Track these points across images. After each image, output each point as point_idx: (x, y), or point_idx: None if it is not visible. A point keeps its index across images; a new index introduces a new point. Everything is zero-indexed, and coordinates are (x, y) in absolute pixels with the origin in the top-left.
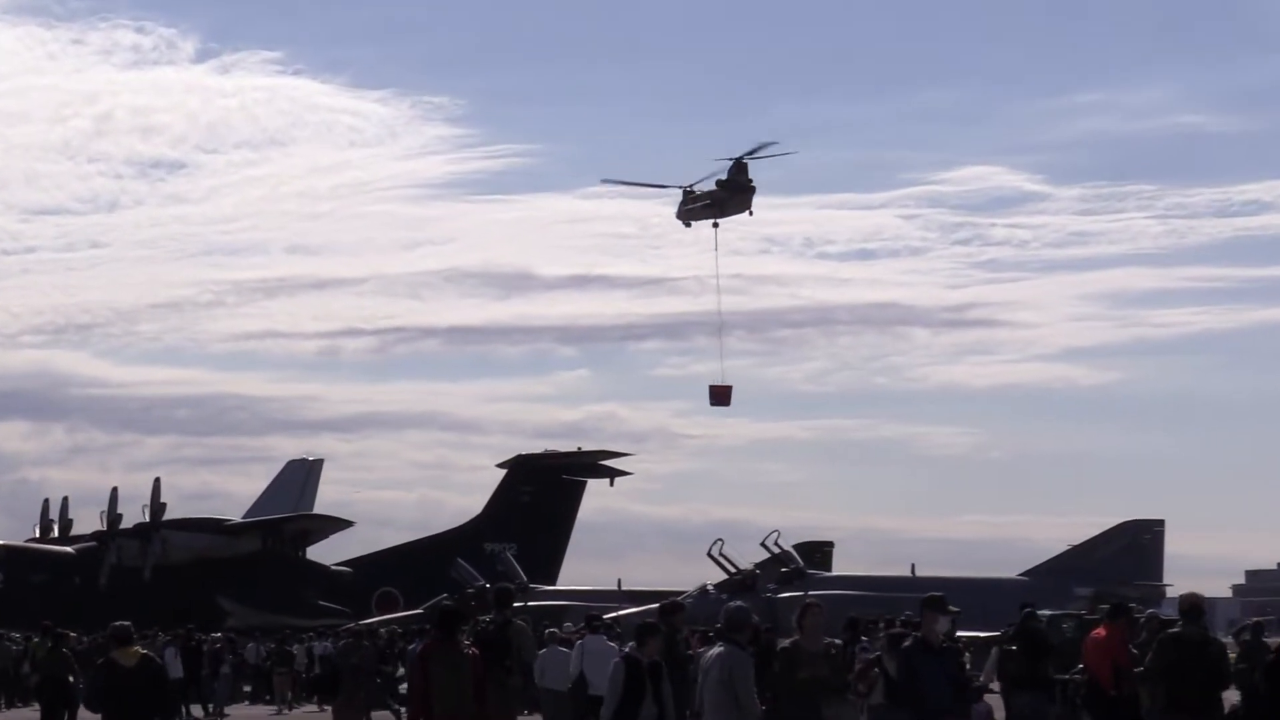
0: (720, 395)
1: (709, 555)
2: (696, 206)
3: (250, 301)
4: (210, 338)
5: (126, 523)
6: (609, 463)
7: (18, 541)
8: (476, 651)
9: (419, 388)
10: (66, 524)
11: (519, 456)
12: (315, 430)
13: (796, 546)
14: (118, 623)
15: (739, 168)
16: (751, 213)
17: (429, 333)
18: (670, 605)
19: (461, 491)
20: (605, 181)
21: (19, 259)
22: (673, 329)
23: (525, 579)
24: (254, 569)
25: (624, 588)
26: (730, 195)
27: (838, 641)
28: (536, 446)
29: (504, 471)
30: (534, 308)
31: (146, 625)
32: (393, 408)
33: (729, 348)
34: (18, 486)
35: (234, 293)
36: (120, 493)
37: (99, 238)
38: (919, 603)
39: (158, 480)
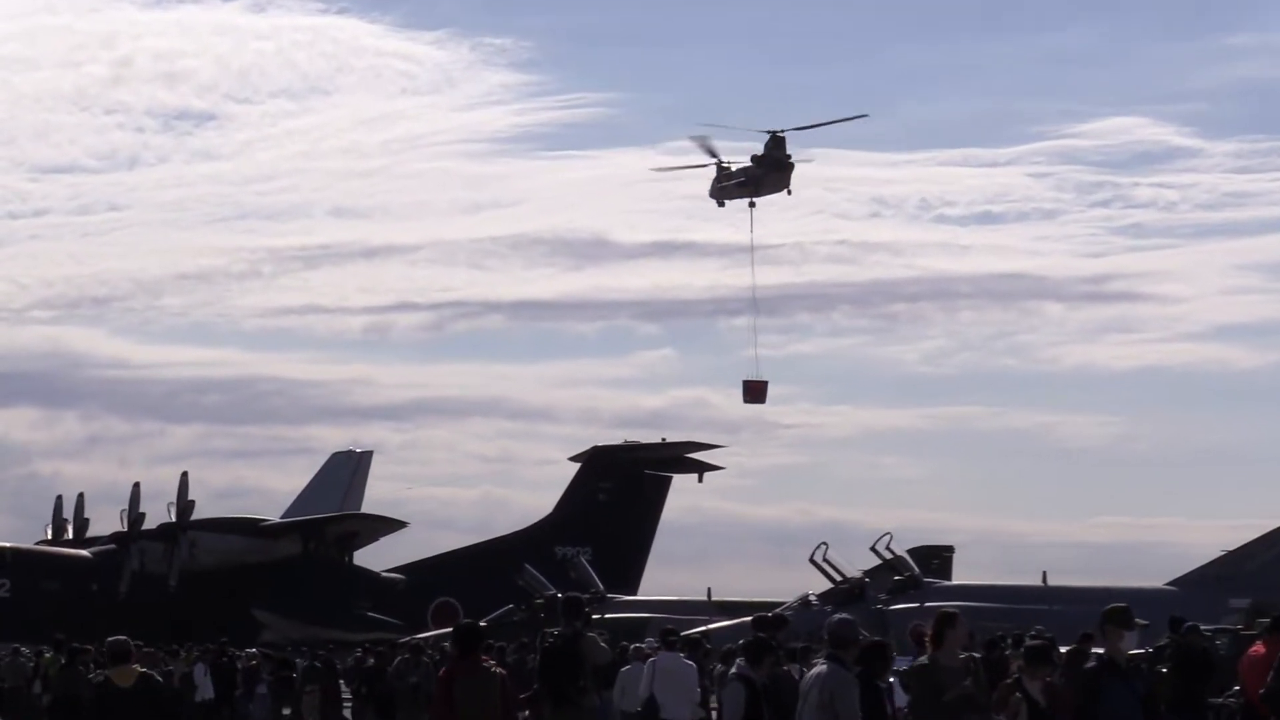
0: (755, 391)
1: (811, 561)
2: (730, 184)
3: (289, 272)
4: (244, 313)
5: (150, 523)
6: (697, 455)
7: (27, 544)
8: (504, 672)
9: (481, 370)
10: (82, 524)
11: (595, 449)
12: (363, 418)
13: (911, 551)
14: (113, 638)
15: (776, 142)
16: (790, 191)
17: (492, 307)
18: (766, 619)
19: (529, 488)
20: (655, 170)
21: (27, 223)
22: (770, 303)
23: (601, 588)
24: (294, 576)
25: (714, 598)
26: (766, 173)
27: (975, 655)
28: (615, 437)
29: (578, 466)
30: (611, 279)
31: (173, 639)
32: (451, 393)
33: (834, 325)
34: (27, 482)
35: (270, 262)
36: (143, 489)
37: (117, 199)
38: (1051, 616)
39: (185, 475)
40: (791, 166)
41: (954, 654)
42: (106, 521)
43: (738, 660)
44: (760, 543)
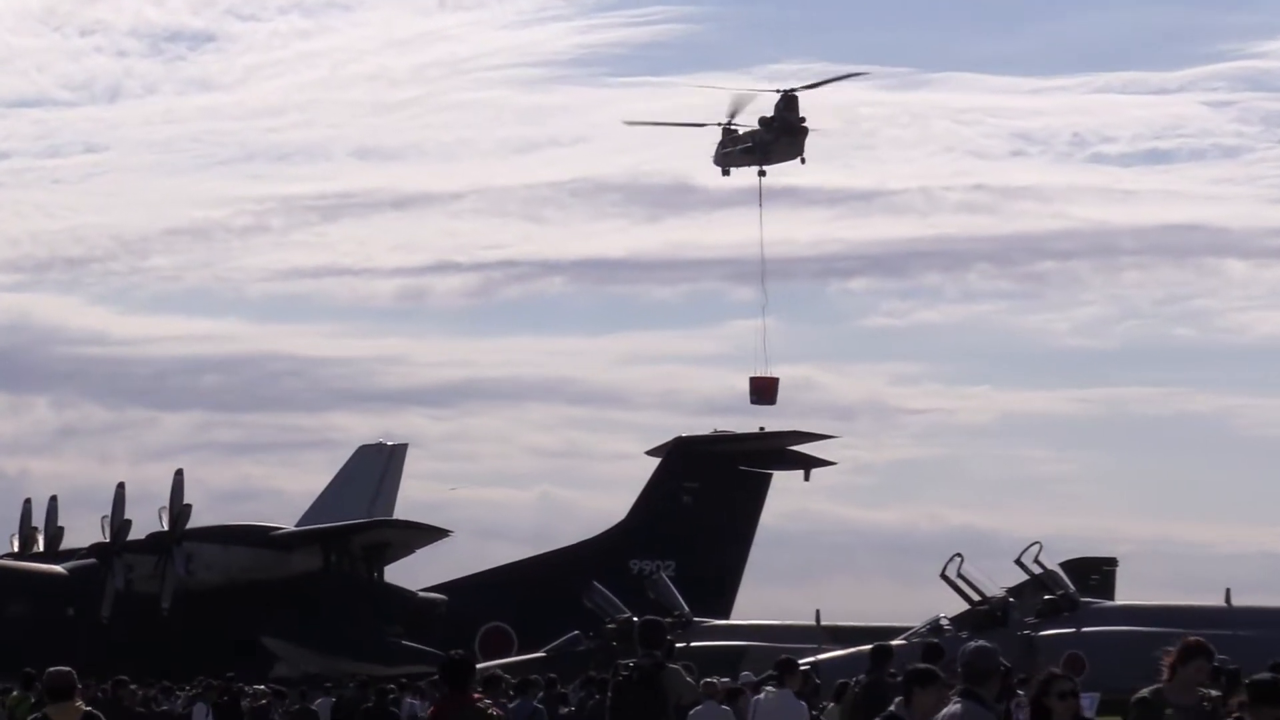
0: (763, 390)
1: (943, 577)
2: (735, 150)
3: (304, 225)
4: (249, 276)
5: (138, 532)
6: (803, 448)
7: None
8: (499, 711)
9: (538, 344)
10: (55, 533)
11: (678, 440)
12: (395, 404)
13: (1065, 565)
14: (54, 669)
15: (787, 102)
16: (804, 160)
17: (551, 267)
18: (886, 649)
19: (598, 489)
20: (629, 123)
21: None
22: (891, 262)
23: (687, 610)
24: (312, 596)
25: (824, 623)
26: (775, 137)
27: (1213, 692)
28: (702, 426)
29: (657, 461)
30: (697, 232)
31: (167, 673)
32: (502, 372)
33: (968, 287)
34: None
35: (281, 214)
36: (128, 491)
37: (95, 139)
38: (1236, 643)
39: (180, 473)
40: (805, 131)
41: (1191, 690)
42: (84, 530)
43: (896, 700)
44: (880, 554)
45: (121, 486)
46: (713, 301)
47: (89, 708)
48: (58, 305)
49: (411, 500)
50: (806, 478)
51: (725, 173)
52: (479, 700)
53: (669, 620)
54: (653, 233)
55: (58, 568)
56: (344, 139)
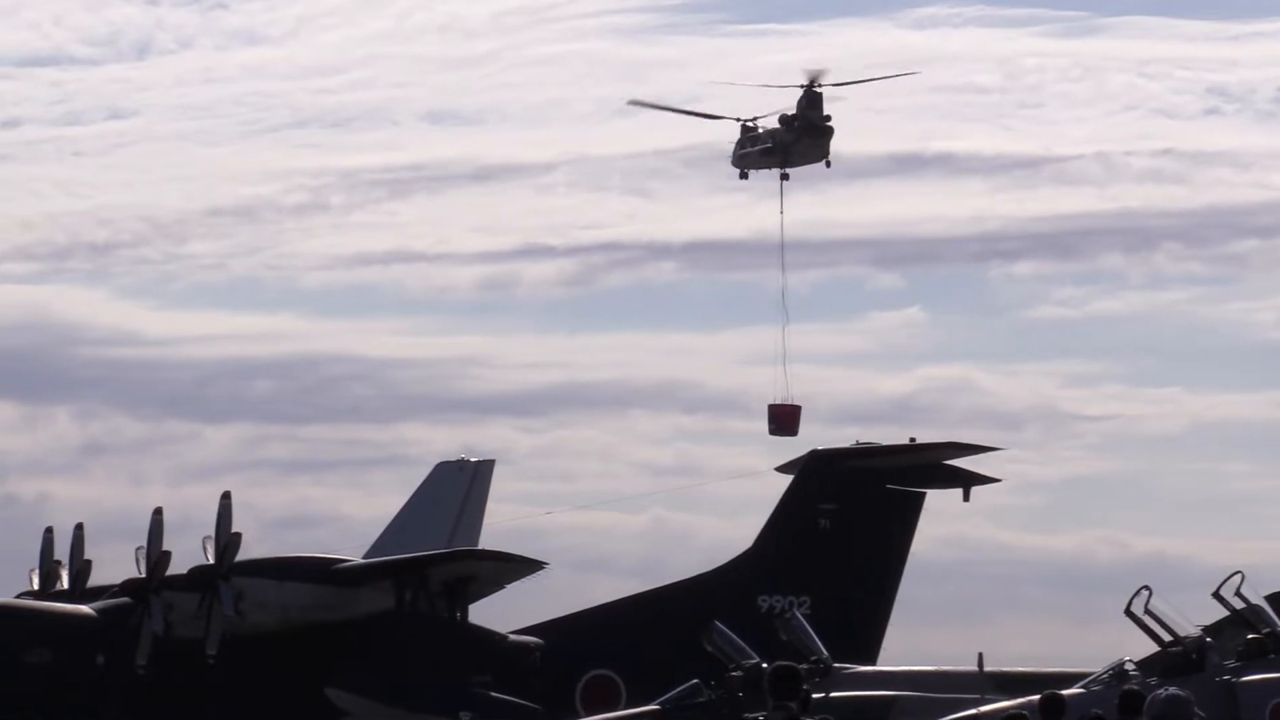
0: (783, 419)
1: (1128, 614)
2: (753, 151)
3: (368, 203)
4: (305, 264)
5: (178, 566)
6: (960, 462)
7: (2, 597)
8: None
9: (645, 341)
10: (81, 567)
11: (813, 454)
12: (479, 413)
13: (1272, 598)
14: None
15: (810, 100)
16: (829, 163)
17: (660, 250)
18: (1059, 699)
19: (718, 512)
20: (633, 103)
21: None
22: (1062, 241)
23: (825, 654)
24: (384, 640)
25: (987, 668)
26: (797, 138)
27: None
28: (842, 438)
29: (789, 479)
30: (833, 208)
31: None
32: (604, 375)
33: (1155, 271)
34: (2, 508)
35: (341, 189)
36: (166, 517)
37: (122, 103)
38: None
39: (227, 496)
40: (830, 131)
41: None
42: (115, 564)
43: None
44: (1052, 587)
45: (159, 512)
46: (852, 290)
47: None
48: (81, 299)
49: (499, 527)
50: (966, 497)
51: (743, 175)
52: None
53: (804, 667)
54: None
55: (85, 608)
56: (412, 101)
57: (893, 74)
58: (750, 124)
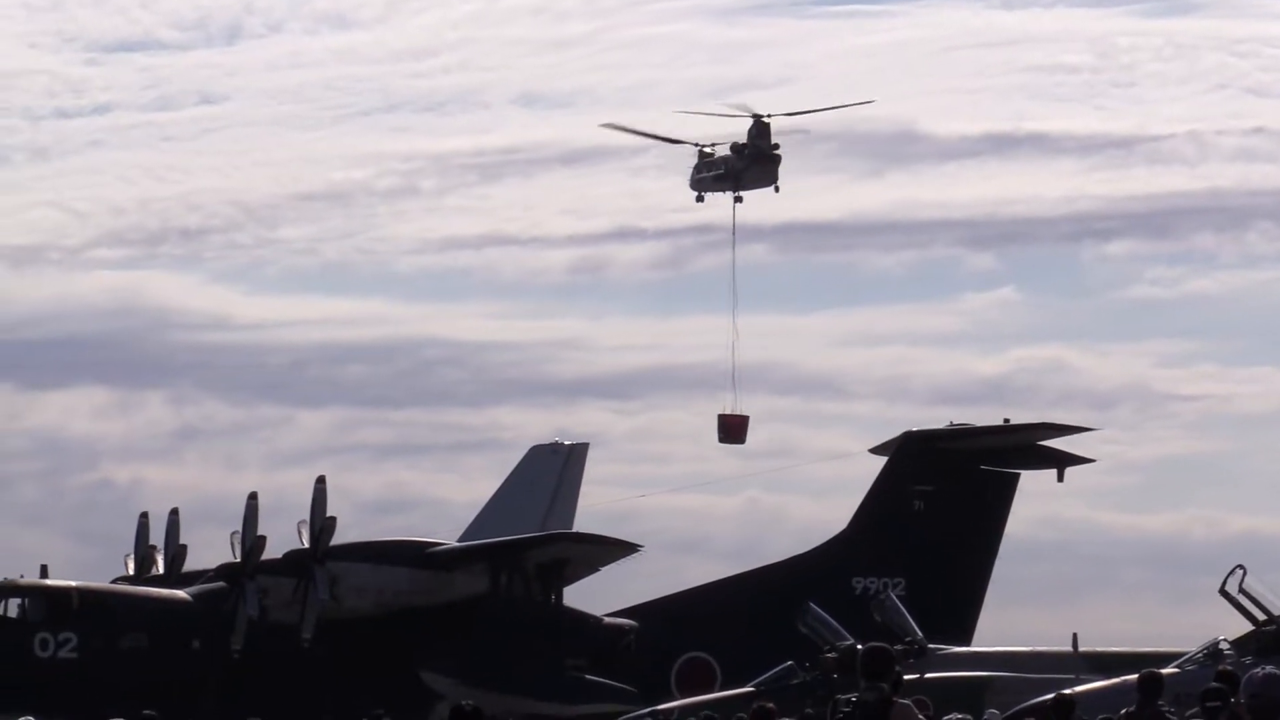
0: (732, 429)
1: (1222, 593)
2: (708, 176)
3: (460, 187)
4: (397, 248)
5: (273, 550)
6: (1055, 443)
7: (100, 582)
8: None
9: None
10: (177, 552)
11: (906, 435)
12: (572, 396)
13: None
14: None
15: (760, 129)
16: (778, 188)
17: (752, 232)
18: (1156, 678)
19: (812, 493)
20: (606, 125)
21: (84, 124)
22: (1155, 221)
23: (920, 635)
24: (479, 624)
25: (1082, 648)
26: (748, 165)
27: None
28: (935, 419)
29: (883, 460)
30: (924, 189)
31: (310, 715)
32: (696, 357)
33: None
34: (96, 493)
35: (434, 173)
36: (261, 502)
37: (212, 88)
38: None
39: (321, 481)
40: (778, 159)
41: None
42: (210, 549)
43: None
44: (1147, 567)
45: (253, 497)
46: (945, 271)
47: None
48: (173, 284)
49: (593, 510)
50: (1060, 478)
51: (699, 198)
52: None
53: (898, 648)
54: (873, 190)
55: (180, 593)
56: (505, 84)
57: (850, 103)
58: (708, 149)
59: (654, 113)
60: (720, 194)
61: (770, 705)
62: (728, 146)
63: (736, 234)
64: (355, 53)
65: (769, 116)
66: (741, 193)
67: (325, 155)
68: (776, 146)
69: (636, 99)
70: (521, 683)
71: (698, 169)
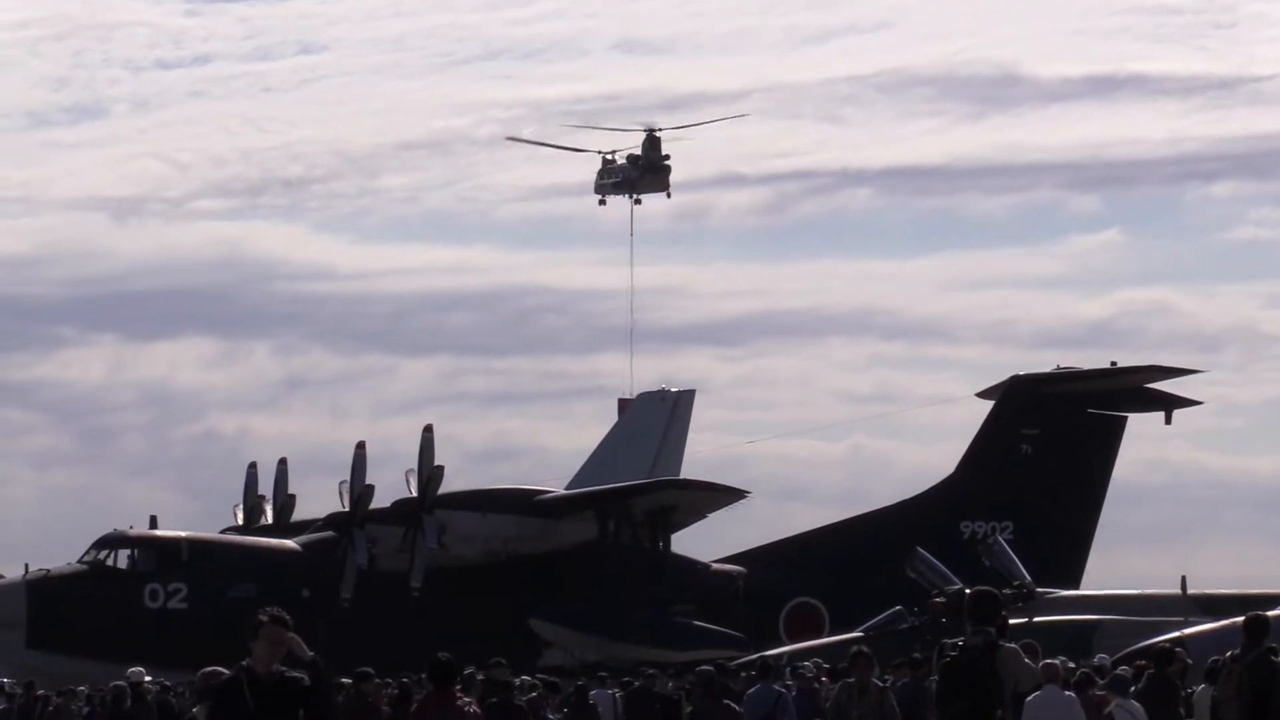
0: None
1: None
2: (608, 182)
3: (562, 134)
4: (499, 196)
5: (381, 499)
6: (1162, 385)
7: (209, 533)
8: (479, 710)
9: (841, 269)
10: (285, 502)
11: (1013, 379)
12: (677, 343)
13: None
14: (208, 669)
15: (651, 143)
16: (670, 194)
17: (855, 178)
18: (1264, 620)
19: (918, 438)
20: (511, 139)
21: (185, 75)
22: (1260, 162)
23: (1028, 579)
24: (587, 571)
25: (1191, 591)
26: (641, 174)
27: None
28: (1042, 363)
29: (989, 404)
30: (1026, 132)
31: (417, 664)
32: (800, 303)
33: None
34: (204, 444)
35: (534, 120)
36: (369, 452)
37: (311, 38)
38: None
39: (429, 430)
40: (668, 169)
41: None
42: (319, 498)
43: None
44: (1255, 509)
45: (361, 446)
46: (1049, 214)
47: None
48: (276, 235)
49: (699, 457)
50: (1168, 420)
51: (601, 201)
52: (460, 699)
53: (1006, 592)
54: (975, 134)
55: (289, 542)
56: (604, 31)
57: (725, 117)
58: (609, 157)
59: (752, 58)
60: (621, 197)
61: (867, 650)
62: (625, 156)
63: (839, 178)
64: (454, 1)
65: (659, 130)
66: (639, 195)
67: (425, 104)
68: (667, 157)
69: (735, 45)
70: (630, 629)
71: (600, 175)
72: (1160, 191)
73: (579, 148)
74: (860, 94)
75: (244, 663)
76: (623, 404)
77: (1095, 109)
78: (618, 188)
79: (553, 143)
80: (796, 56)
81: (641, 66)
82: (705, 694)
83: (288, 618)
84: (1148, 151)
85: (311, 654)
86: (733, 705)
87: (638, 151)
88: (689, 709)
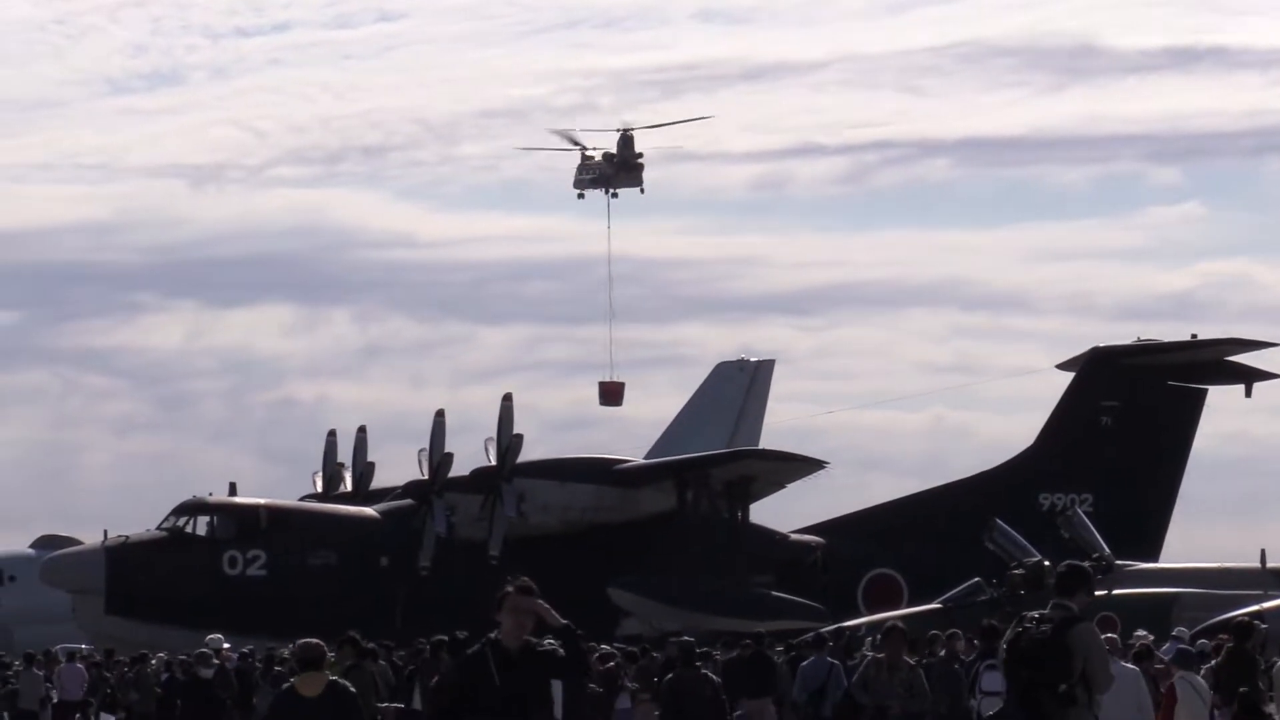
0: (610, 394)
1: None
2: (585, 179)
3: (640, 103)
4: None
5: (460, 467)
6: (1242, 358)
7: (289, 500)
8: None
9: (921, 239)
10: (364, 470)
11: (1093, 351)
12: (755, 313)
13: None
14: (306, 640)
15: (625, 142)
16: (643, 190)
17: (934, 148)
18: None
19: (997, 409)
20: (519, 149)
21: (264, 42)
22: None
23: (1108, 552)
24: (666, 540)
25: (1270, 564)
26: (616, 171)
27: None
28: (1122, 335)
29: (1070, 376)
30: (1107, 103)
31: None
32: (879, 273)
33: None
34: (282, 411)
35: (613, 90)
36: (448, 420)
37: (390, 5)
38: None
39: (508, 398)
40: (641, 167)
41: None
42: (398, 466)
43: None
44: None
45: (440, 414)
46: (1130, 185)
47: (336, 679)
48: (356, 202)
49: (778, 427)
50: (1248, 393)
51: (580, 195)
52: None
53: (1087, 565)
54: (1056, 104)
55: (368, 510)
56: (683, 1)
57: (693, 118)
58: (589, 152)
59: (832, 28)
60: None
61: (900, 625)
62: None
63: (918, 149)
64: None
65: (633, 130)
66: (615, 190)
67: (504, 72)
68: (640, 156)
69: (817, 14)
70: (708, 599)
71: (579, 171)
72: (1240, 164)
73: (565, 148)
74: (940, 64)
75: (492, 634)
76: (604, 386)
77: (1174, 80)
78: (595, 183)
79: (552, 145)
80: (876, 26)
81: (721, 36)
82: (685, 663)
83: (533, 585)
84: (1227, 124)
85: (565, 621)
86: (710, 675)
87: (613, 150)
88: (669, 676)
